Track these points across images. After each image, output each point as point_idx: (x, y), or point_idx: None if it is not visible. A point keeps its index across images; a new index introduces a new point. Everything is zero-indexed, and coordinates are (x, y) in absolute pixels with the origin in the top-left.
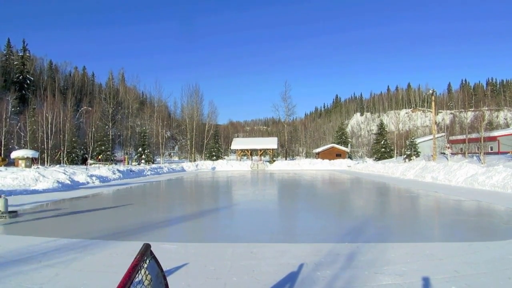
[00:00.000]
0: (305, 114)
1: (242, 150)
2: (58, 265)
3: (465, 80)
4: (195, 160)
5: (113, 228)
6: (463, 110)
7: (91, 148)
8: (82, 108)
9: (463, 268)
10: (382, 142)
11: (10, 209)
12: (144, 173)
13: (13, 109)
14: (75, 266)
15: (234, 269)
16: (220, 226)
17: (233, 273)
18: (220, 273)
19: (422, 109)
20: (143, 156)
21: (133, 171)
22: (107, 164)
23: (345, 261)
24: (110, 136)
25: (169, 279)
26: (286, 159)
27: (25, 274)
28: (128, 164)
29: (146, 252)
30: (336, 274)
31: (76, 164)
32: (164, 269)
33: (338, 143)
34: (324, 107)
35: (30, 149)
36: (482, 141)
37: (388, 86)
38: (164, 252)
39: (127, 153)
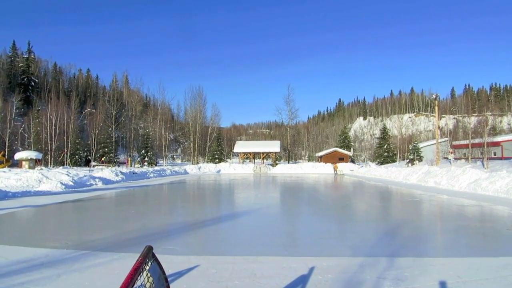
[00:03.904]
0: (308, 118)
1: (244, 153)
2: (60, 267)
3: (469, 85)
4: (197, 163)
5: (115, 231)
6: (466, 115)
7: (94, 150)
8: (85, 110)
9: (466, 273)
10: (385, 147)
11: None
12: (147, 175)
13: (17, 111)
14: (77, 268)
15: (236, 272)
16: (222, 229)
17: (235, 276)
18: (222, 276)
19: (425, 113)
20: (146, 159)
21: (136, 173)
22: (110, 166)
23: (347, 266)
24: (114, 138)
25: (171, 281)
26: (288, 163)
27: (28, 275)
28: (131, 166)
29: (148, 254)
30: (338, 278)
31: (79, 165)
32: (166, 271)
33: (340, 147)
34: (327, 110)
35: (33, 150)
36: (485, 146)
37: (391, 91)
38: (166, 254)
39: (130, 155)
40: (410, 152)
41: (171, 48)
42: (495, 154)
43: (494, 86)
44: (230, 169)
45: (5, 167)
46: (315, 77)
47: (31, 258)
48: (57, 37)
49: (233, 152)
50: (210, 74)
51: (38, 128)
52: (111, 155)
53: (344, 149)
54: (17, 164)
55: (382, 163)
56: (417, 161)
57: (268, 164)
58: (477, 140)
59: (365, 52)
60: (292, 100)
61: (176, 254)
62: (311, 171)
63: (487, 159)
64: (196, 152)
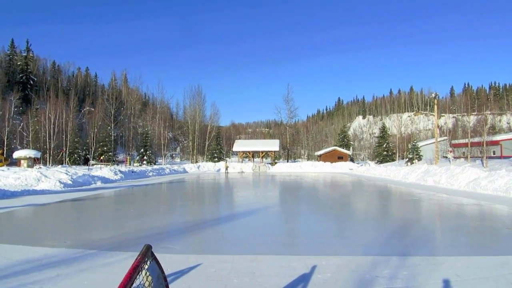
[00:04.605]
0: (307, 117)
1: (244, 152)
2: (59, 266)
3: (468, 84)
4: (196, 162)
5: (114, 230)
6: (465, 114)
7: (93, 149)
8: (84, 109)
9: (465, 272)
10: (384, 145)
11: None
12: (146, 174)
13: (16, 109)
14: (76, 267)
15: (235, 271)
16: (222, 228)
17: (234, 275)
18: (221, 275)
19: (425, 112)
20: (145, 157)
21: (135, 172)
22: (109, 165)
23: (346, 265)
24: (112, 137)
25: (170, 280)
26: (288, 161)
27: (26, 274)
28: (130, 165)
29: (147, 253)
30: (336, 277)
31: (78, 164)
32: (165, 270)
33: (340, 146)
34: (326, 109)
35: (32, 149)
36: (484, 145)
37: (391, 89)
38: (165, 253)
39: (129, 154)
40: (410, 151)
41: (171, 46)
42: (494, 153)
43: (493, 85)
44: (230, 168)
45: (3, 166)
46: (315, 76)
47: (30, 257)
48: (55, 35)
49: (232, 151)
50: (209, 72)
51: (37, 127)
52: (110, 153)
53: (343, 148)
54: (15, 162)
55: (381, 162)
56: (416, 160)
57: (267, 163)
58: (476, 139)
59: (365, 51)
60: (292, 99)
61: (175, 253)
62: (310, 170)
63: (486, 158)
64: (195, 151)
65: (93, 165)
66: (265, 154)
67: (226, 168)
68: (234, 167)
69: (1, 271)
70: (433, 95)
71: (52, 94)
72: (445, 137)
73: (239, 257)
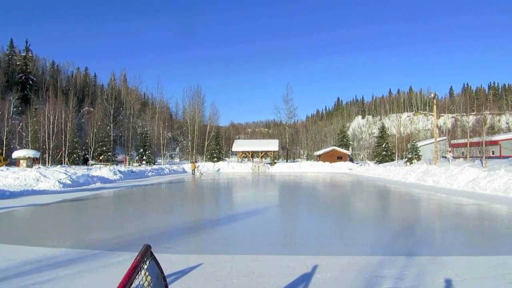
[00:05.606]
0: (307, 117)
1: (243, 152)
2: (58, 266)
3: (467, 84)
4: (196, 162)
5: (113, 230)
6: (465, 114)
7: (92, 149)
8: (83, 109)
9: (464, 272)
10: (383, 145)
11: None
12: (146, 174)
13: (15, 109)
14: (76, 267)
15: (235, 271)
16: (221, 228)
17: (233, 275)
18: (220, 274)
19: (424, 112)
20: (144, 157)
21: (134, 172)
22: (108, 164)
23: (346, 265)
24: (112, 137)
25: (169, 280)
26: (287, 161)
27: (26, 274)
28: (129, 165)
29: (146, 253)
30: (336, 277)
31: (77, 164)
32: (164, 270)
33: (339, 146)
34: (325, 109)
35: (31, 149)
36: (483, 145)
37: (390, 89)
38: (165, 253)
39: (128, 154)
40: (409, 151)
41: (170, 46)
42: (493, 153)
43: (492, 85)
44: (229, 168)
45: (3, 165)
46: (314, 76)
47: (29, 257)
48: (54, 35)
49: (231, 151)
50: (208, 72)
51: (36, 127)
52: (109, 153)
53: (342, 148)
54: (14, 162)
55: (380, 162)
56: (415, 160)
57: (266, 163)
58: (475, 139)
59: (364, 51)
60: (291, 98)
61: (175, 253)
62: (309, 170)
63: (486, 158)
64: (194, 151)
65: (92, 165)
66: (265, 154)
67: (193, 169)
68: (234, 167)
69: (0, 271)
70: (432, 95)
71: (51, 94)
72: (444, 137)
73: (238, 257)
